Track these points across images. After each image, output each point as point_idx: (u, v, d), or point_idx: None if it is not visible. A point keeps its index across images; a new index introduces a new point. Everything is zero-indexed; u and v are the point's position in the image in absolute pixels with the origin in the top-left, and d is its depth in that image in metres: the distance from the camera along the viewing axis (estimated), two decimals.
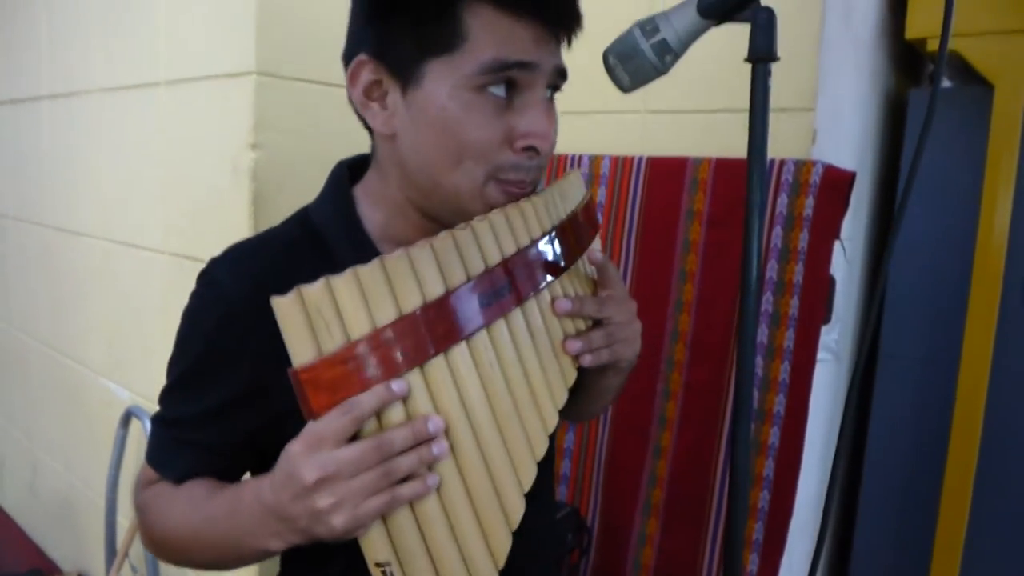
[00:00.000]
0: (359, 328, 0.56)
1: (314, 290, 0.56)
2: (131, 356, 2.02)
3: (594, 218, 0.82)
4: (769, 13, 0.65)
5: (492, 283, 0.63)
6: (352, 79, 0.70)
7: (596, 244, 0.80)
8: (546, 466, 0.89)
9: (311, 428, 0.57)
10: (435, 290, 0.59)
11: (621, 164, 1.64)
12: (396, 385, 0.57)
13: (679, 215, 1.57)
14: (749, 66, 0.67)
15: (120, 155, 1.97)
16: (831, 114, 1.57)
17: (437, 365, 0.59)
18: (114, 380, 2.11)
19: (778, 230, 1.46)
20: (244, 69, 1.46)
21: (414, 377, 0.58)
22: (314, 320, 0.55)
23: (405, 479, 0.58)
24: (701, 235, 1.55)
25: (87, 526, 2.35)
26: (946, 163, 1.88)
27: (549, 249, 0.69)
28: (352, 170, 0.79)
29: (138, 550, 1.93)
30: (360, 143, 1.83)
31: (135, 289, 1.95)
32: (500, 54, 0.65)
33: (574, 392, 0.91)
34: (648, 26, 0.70)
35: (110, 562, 2.04)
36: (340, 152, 1.60)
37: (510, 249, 0.66)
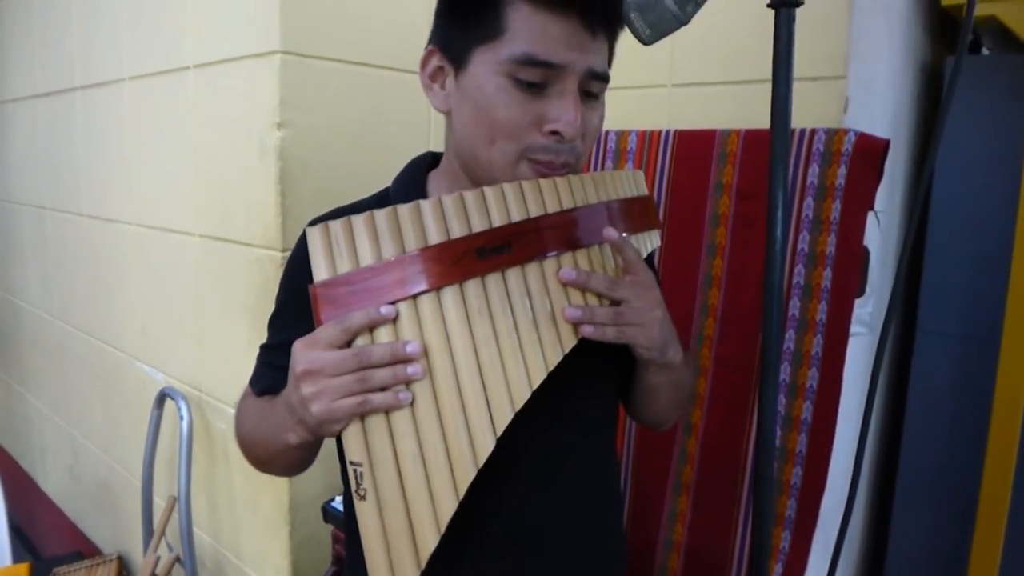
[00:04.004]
0: (366, 258, 0.67)
1: (337, 223, 0.68)
2: (165, 338, 2.05)
3: (648, 217, 0.85)
4: None
5: (492, 240, 0.70)
6: (423, 65, 0.82)
7: (655, 240, 0.86)
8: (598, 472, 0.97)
9: (312, 333, 0.68)
10: (436, 237, 0.68)
11: (648, 138, 1.62)
12: (384, 308, 0.66)
13: (708, 188, 1.54)
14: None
15: (150, 141, 2.00)
16: (864, 83, 1.53)
17: (427, 300, 0.67)
18: (149, 363, 2.14)
19: (809, 201, 1.43)
20: (269, 48, 1.47)
21: (406, 307, 0.67)
22: (333, 247, 0.67)
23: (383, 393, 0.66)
24: (730, 208, 1.52)
25: (125, 507, 2.40)
26: (986, 133, 1.82)
27: (566, 223, 0.74)
28: (437, 161, 0.92)
29: (174, 529, 1.96)
30: (385, 121, 1.83)
31: (167, 272, 1.98)
32: (531, 49, 0.72)
33: (630, 392, 0.98)
34: None
35: (148, 542, 2.08)
36: (365, 129, 1.62)
37: (518, 215, 0.72)
